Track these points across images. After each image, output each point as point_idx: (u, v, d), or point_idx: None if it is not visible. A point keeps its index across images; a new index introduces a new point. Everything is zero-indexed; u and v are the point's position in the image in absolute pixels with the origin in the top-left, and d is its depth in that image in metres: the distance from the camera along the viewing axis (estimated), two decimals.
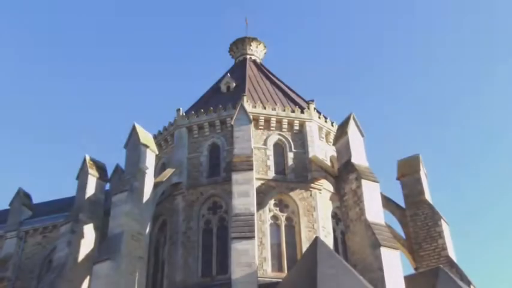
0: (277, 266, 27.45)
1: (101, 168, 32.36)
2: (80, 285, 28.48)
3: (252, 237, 24.45)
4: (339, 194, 28.30)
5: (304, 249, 26.53)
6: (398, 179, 32.57)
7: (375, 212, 25.96)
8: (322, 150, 31.72)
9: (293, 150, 31.00)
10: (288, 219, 29.10)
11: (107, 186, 32.63)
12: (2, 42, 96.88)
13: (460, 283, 25.49)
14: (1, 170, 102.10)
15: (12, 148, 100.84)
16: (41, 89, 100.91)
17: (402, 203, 31.71)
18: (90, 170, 31.45)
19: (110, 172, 33.23)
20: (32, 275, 33.44)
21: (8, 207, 36.83)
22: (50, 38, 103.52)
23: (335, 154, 30.74)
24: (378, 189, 27.00)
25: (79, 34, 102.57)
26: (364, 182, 26.43)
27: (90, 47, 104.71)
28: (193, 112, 32.92)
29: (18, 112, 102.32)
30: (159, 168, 31.47)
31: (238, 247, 24.08)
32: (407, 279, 24.65)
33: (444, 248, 29.28)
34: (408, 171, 32.40)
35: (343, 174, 27.84)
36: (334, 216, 30.19)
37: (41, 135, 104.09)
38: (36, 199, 38.31)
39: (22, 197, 36.76)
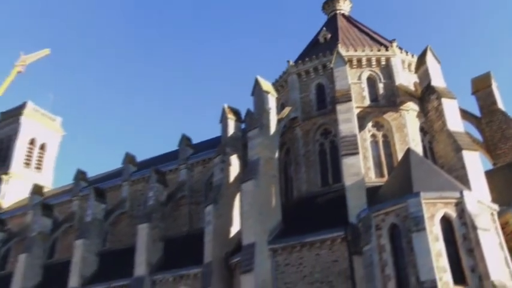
0: (379, 173, 26.87)
1: (236, 112, 32.60)
2: (233, 199, 29.26)
3: (357, 153, 24.04)
4: (423, 112, 26.92)
5: (399, 158, 25.69)
6: (473, 93, 30.47)
7: (455, 122, 24.54)
8: (406, 79, 30.00)
9: (382, 81, 29.62)
10: (384, 136, 28.20)
11: (243, 125, 32.73)
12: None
13: None
14: (169, 121, 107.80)
15: (174, 103, 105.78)
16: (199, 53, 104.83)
17: (478, 114, 29.72)
18: (228, 115, 31.83)
19: (243, 115, 33.23)
20: (200, 194, 34.59)
21: (177, 148, 38.04)
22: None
23: (417, 80, 29.05)
24: (455, 104, 25.36)
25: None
26: (443, 100, 24.94)
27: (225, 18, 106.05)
28: (300, 61, 32.22)
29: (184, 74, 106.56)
30: (279, 108, 31.23)
31: (347, 161, 23.84)
32: (488, 173, 23.36)
33: None
34: (481, 86, 30.22)
35: (426, 95, 26.40)
36: (421, 130, 28.68)
37: (194, 92, 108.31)
38: (195, 140, 39.20)
39: (185, 140, 37.78)
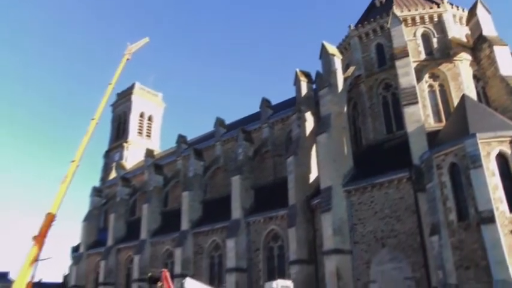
0: (438, 119, 26.11)
1: (307, 75, 32.43)
2: (310, 150, 29.36)
3: (417, 102, 23.48)
4: (476, 61, 25.67)
5: (455, 104, 24.83)
6: None
7: (507, 67, 23.29)
8: (458, 32, 28.44)
9: (436, 36, 28.27)
10: (440, 85, 27.14)
11: (314, 86, 32.60)
12: None
13: None
14: (250, 85, 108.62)
15: (255, 70, 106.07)
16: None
17: None
18: (301, 78, 31.79)
19: (313, 76, 33.04)
20: (281, 147, 35.03)
21: (259, 110, 38.51)
22: None
23: (469, 32, 27.53)
24: (507, 50, 24.10)
25: None
26: (495, 47, 23.77)
27: None
28: (360, 25, 31.44)
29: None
30: (344, 68, 30.83)
31: (408, 111, 23.36)
32: None
33: None
34: None
35: (478, 45, 25.14)
36: (475, 77, 27.25)
37: (270, 59, 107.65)
38: (273, 102, 39.52)
39: (265, 102, 38.11)
